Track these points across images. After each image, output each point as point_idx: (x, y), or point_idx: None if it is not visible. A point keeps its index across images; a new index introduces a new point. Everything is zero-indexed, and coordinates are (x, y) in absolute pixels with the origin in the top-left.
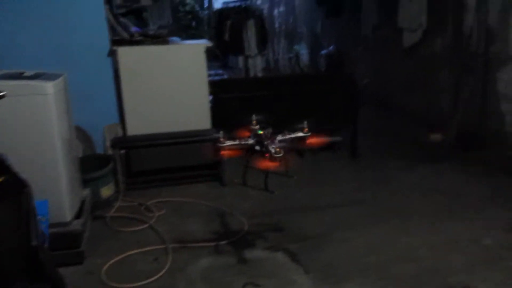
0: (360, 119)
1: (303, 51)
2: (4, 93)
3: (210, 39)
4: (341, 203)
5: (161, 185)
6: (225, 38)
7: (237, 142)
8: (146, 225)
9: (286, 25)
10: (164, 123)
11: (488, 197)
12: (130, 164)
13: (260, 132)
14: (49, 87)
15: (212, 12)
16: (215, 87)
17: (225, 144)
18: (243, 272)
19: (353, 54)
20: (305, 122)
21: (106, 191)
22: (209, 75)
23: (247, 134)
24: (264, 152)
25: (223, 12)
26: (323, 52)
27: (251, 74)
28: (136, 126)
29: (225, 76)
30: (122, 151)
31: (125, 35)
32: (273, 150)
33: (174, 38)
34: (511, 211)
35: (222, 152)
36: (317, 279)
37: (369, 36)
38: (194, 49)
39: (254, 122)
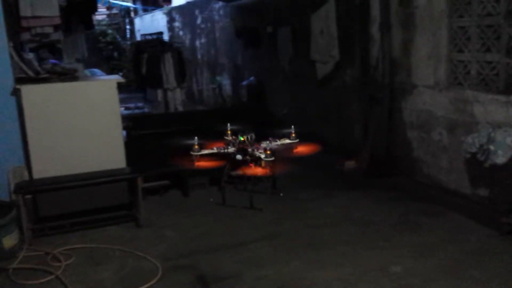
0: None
1: (225, 82)
2: None
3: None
4: (257, 238)
5: (72, 230)
6: (142, 72)
7: (214, 150)
8: (52, 276)
9: (208, 56)
10: (74, 164)
11: (397, 224)
12: (37, 209)
13: (242, 138)
14: None
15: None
16: (131, 123)
17: (200, 153)
18: None
19: (272, 85)
20: (292, 126)
21: (9, 241)
22: (129, 108)
23: (222, 145)
24: (248, 161)
25: (140, 45)
26: (244, 83)
27: (171, 107)
28: (43, 169)
29: (146, 110)
30: (28, 196)
31: (30, 72)
32: (262, 155)
33: (94, 70)
34: (420, 237)
35: (197, 163)
36: None
37: (286, 67)
38: (105, 85)
39: (228, 131)
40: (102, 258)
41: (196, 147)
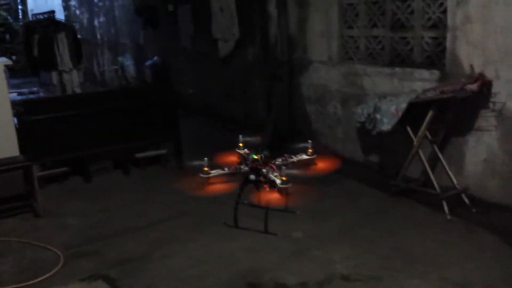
0: (185, 128)
1: (128, 62)
2: None
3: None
4: (165, 218)
5: None
6: (34, 54)
7: (226, 170)
8: None
9: (108, 36)
10: None
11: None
12: None
13: (255, 156)
14: None
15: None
16: (22, 108)
17: (210, 175)
18: None
19: (177, 65)
20: (310, 142)
21: None
22: (23, 94)
23: (234, 160)
24: (262, 182)
25: (30, 25)
26: (148, 62)
27: (68, 90)
28: None
29: (41, 94)
30: None
31: None
32: (278, 180)
33: None
34: (318, 204)
35: (208, 187)
36: None
37: (188, 46)
38: None
39: (240, 144)
40: None
41: (206, 169)
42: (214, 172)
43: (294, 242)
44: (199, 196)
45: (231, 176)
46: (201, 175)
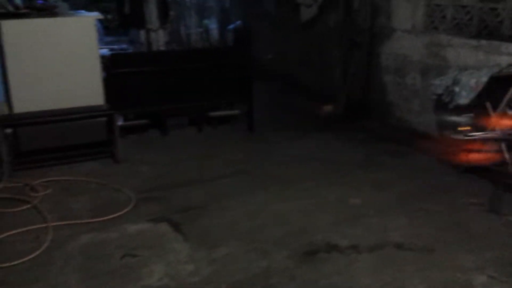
0: (260, 92)
1: (213, 26)
2: None
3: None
4: (228, 174)
5: (51, 164)
6: (125, 11)
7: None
8: (29, 205)
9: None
10: (54, 99)
11: (362, 163)
12: (18, 143)
13: None
14: None
15: None
16: (111, 62)
17: (474, 136)
18: (123, 245)
19: (259, 30)
20: None
21: None
22: (113, 50)
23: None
24: None
25: None
26: (231, 27)
27: (154, 48)
28: (23, 104)
29: (129, 51)
30: (8, 130)
31: (10, 7)
32: None
33: (81, 12)
34: (381, 174)
35: (469, 155)
36: (194, 245)
37: (271, 12)
38: (83, 22)
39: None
40: (78, 190)
41: (467, 128)
42: (478, 135)
43: (351, 208)
44: (261, 157)
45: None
46: (455, 136)
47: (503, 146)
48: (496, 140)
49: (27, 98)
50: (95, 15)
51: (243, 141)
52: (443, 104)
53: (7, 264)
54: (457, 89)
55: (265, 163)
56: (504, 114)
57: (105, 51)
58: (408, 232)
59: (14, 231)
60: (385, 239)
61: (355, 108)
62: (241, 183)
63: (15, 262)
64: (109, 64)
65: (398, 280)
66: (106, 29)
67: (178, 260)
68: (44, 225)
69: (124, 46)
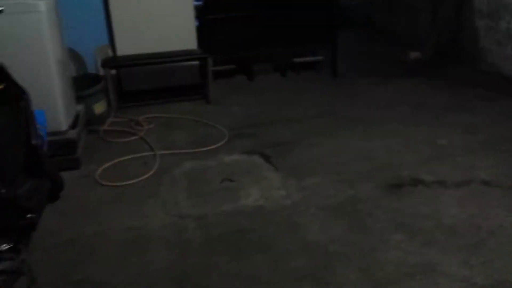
0: (342, 39)
1: None
2: (2, 8)
3: None
4: (314, 115)
5: (150, 104)
6: None
7: None
8: (136, 137)
9: None
10: (152, 43)
11: (451, 106)
12: (120, 84)
13: None
14: (41, 5)
15: None
16: (202, 8)
17: None
18: (221, 171)
19: None
20: None
21: (99, 108)
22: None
23: None
24: None
25: None
26: None
27: None
28: (125, 47)
29: None
30: (113, 71)
31: None
32: None
33: None
34: (470, 117)
35: None
36: (285, 175)
37: None
38: None
39: None
40: (177, 125)
41: None
42: None
43: (438, 148)
44: (347, 99)
45: None
46: None
47: None
48: None
49: (129, 42)
50: None
51: (327, 86)
52: None
53: (124, 183)
54: None
55: (350, 106)
56: None
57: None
58: (496, 171)
59: (126, 157)
60: (472, 176)
61: (444, 54)
62: (327, 123)
63: (131, 182)
64: (202, 11)
65: (485, 212)
66: None
67: (271, 186)
68: (151, 153)
69: None
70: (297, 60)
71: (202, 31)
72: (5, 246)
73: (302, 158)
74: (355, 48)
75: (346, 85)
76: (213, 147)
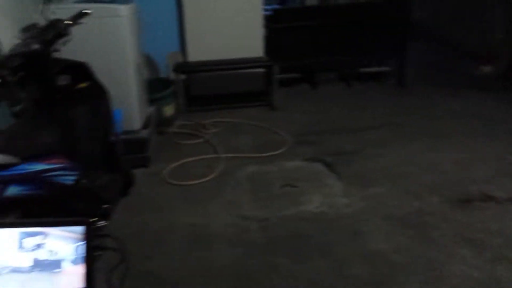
0: (410, 51)
1: None
2: (91, 11)
3: None
4: (379, 125)
5: (216, 109)
6: None
7: None
8: (202, 140)
9: None
10: (221, 50)
11: None
12: (189, 89)
13: None
14: (124, 9)
15: None
16: (270, 17)
17: None
18: (283, 177)
19: None
20: None
21: (168, 110)
22: (267, 10)
23: None
24: None
25: None
26: None
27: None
28: (195, 53)
29: None
30: (183, 76)
31: None
32: None
33: None
34: None
35: None
36: (348, 183)
37: None
38: None
39: None
40: (241, 130)
41: None
42: None
43: (508, 164)
44: (415, 111)
45: None
46: None
47: None
48: None
49: (199, 49)
50: None
51: (394, 96)
52: None
53: (190, 182)
54: None
55: (417, 117)
56: None
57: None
58: None
59: (191, 158)
60: None
61: None
62: (393, 134)
63: (196, 182)
64: (270, 20)
65: None
66: None
67: (333, 194)
68: (215, 155)
69: (276, 6)
70: (363, 70)
71: (269, 40)
72: (102, 223)
73: (366, 167)
74: (422, 60)
75: (413, 97)
76: (275, 152)
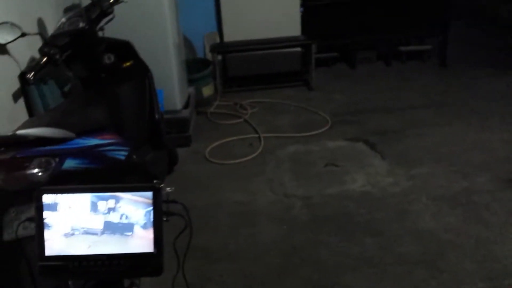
0: (452, 28)
1: None
2: None
3: None
4: (421, 104)
5: (253, 89)
6: None
7: None
8: (241, 120)
9: None
10: (257, 30)
11: None
12: (226, 69)
13: None
14: None
15: None
16: None
17: None
18: (325, 156)
19: None
20: None
21: (207, 91)
22: None
23: None
24: None
25: None
26: None
27: None
28: (232, 33)
29: None
30: (219, 57)
31: None
32: None
33: None
34: None
35: None
36: (392, 163)
37: None
38: None
39: None
40: (280, 110)
41: None
42: None
43: None
44: (459, 90)
45: None
46: None
47: None
48: None
49: (235, 29)
50: None
51: (436, 76)
52: None
53: (231, 161)
54: None
55: (461, 97)
56: None
57: None
58: None
59: (232, 138)
60: None
61: None
62: (437, 113)
63: (238, 160)
64: None
65: None
66: None
67: (377, 173)
68: (255, 135)
69: None
70: (403, 48)
71: (306, 18)
72: (170, 189)
73: (410, 147)
74: (465, 38)
75: (457, 76)
76: (316, 132)
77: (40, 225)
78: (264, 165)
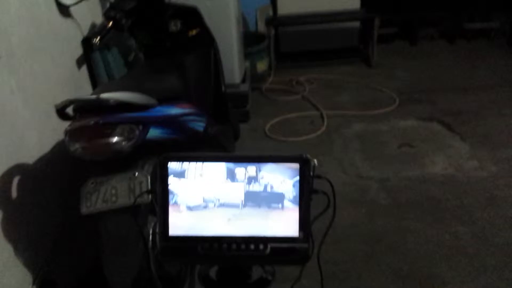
0: None
1: None
2: None
3: None
4: (495, 84)
5: (308, 65)
6: None
7: None
8: (299, 96)
9: None
10: (313, 2)
11: None
12: (279, 44)
13: None
14: None
15: None
16: None
17: None
18: (397, 136)
19: None
20: None
21: (261, 66)
22: None
23: None
24: None
25: None
26: None
27: None
28: (286, 6)
29: None
30: (273, 32)
31: None
32: None
33: None
34: None
35: None
36: (474, 145)
37: None
38: None
39: None
40: (339, 87)
41: None
42: None
43: None
44: None
45: None
46: None
47: None
48: None
49: (289, 2)
50: None
51: (505, 54)
52: None
53: (295, 139)
54: None
55: None
56: None
57: None
58: None
59: (291, 115)
60: None
61: None
62: (510, 94)
63: (301, 138)
64: None
65: None
66: None
67: (459, 156)
68: (317, 112)
69: None
70: (467, 26)
71: None
72: (316, 162)
73: (491, 128)
74: None
75: None
76: (383, 110)
77: (164, 198)
78: (330, 143)
